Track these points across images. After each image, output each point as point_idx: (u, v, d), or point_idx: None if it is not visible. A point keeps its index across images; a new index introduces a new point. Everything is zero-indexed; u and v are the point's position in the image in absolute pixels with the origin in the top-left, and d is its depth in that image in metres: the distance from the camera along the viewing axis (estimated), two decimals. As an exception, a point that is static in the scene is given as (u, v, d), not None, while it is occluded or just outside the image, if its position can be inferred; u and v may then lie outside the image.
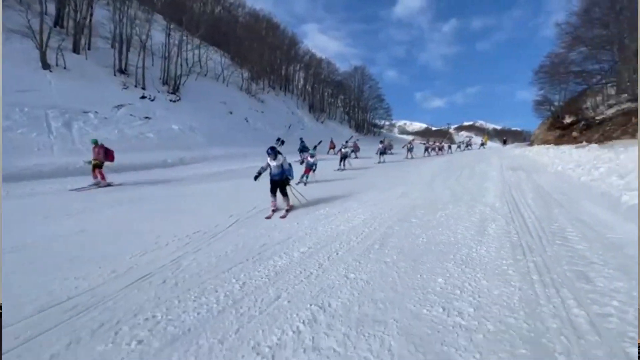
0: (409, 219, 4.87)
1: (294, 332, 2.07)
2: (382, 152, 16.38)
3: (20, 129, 11.58)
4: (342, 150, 13.74)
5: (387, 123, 60.47)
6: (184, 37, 20.60)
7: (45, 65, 14.62)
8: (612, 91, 24.16)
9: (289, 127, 28.32)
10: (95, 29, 18.72)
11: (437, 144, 26.91)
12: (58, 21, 18.23)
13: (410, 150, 20.01)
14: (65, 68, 15.41)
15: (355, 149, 18.88)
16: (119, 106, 15.66)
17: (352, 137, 17.97)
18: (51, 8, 18.54)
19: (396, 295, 2.49)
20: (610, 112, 21.17)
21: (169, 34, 19.65)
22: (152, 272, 3.28)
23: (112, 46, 19.42)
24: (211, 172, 12.60)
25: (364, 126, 49.23)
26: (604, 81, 25.20)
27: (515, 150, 26.47)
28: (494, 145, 51.20)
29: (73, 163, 11.15)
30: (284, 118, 29.86)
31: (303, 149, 16.64)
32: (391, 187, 8.28)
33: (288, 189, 5.87)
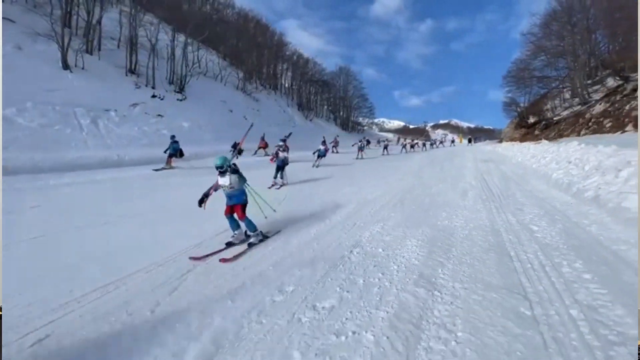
0: (413, 192, 7.01)
1: (376, 232, 4.10)
2: (321, 155, 12.82)
3: (57, 126, 12.75)
4: (280, 153, 9.19)
5: (368, 121, 63.02)
6: (188, 40, 21.84)
7: (66, 66, 15.63)
8: (568, 95, 27.72)
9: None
10: (103, 30, 19.63)
11: (409, 141, 26.60)
12: (65, 22, 19.01)
13: (361, 149, 17.33)
14: (83, 68, 16.46)
15: (284, 149, 14.92)
16: (134, 105, 16.89)
17: (290, 134, 15.09)
18: (55, 10, 19.27)
19: (421, 220, 4.58)
20: (565, 113, 24.56)
21: (175, 37, 20.87)
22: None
23: (118, 47, 20.43)
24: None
25: (349, 124, 51.67)
26: (561, 86, 28.79)
27: (487, 146, 29.63)
28: (466, 142, 55.17)
29: (110, 157, 12.56)
30: (277, 116, 31.58)
31: (175, 151, 12.17)
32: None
33: None
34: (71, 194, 7.22)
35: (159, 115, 17.61)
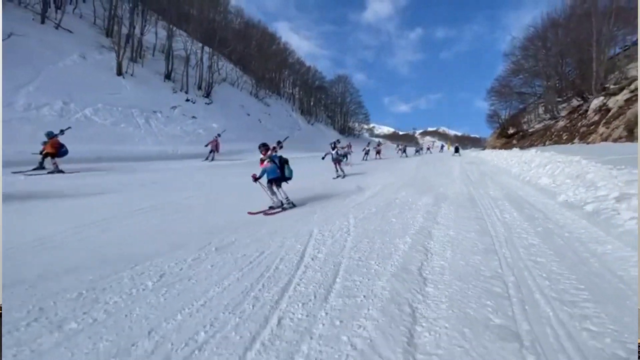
0: (418, 179, 10.15)
1: (403, 195, 7.16)
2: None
3: (122, 124, 15.43)
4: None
5: (361, 126, 66.57)
6: (214, 52, 24.69)
7: (119, 73, 18.24)
8: (542, 110, 31.75)
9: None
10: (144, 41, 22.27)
11: (374, 146, 22.09)
12: (109, 33, 21.58)
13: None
14: (132, 75, 19.08)
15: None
16: (174, 107, 19.61)
17: None
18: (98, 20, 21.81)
19: (428, 191, 7.68)
20: (538, 126, 28.48)
21: (203, 49, 23.67)
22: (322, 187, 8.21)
23: (153, 54, 23.07)
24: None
25: (345, 129, 55.07)
26: (536, 102, 32.79)
27: (472, 153, 33.34)
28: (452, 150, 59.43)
29: (165, 150, 15.28)
30: (285, 120, 34.55)
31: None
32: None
33: None
34: (173, 174, 10.16)
35: (193, 117, 20.36)
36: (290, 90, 46.20)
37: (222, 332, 1.96)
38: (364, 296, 2.41)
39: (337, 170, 10.77)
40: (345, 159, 15.40)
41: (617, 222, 3.59)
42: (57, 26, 17.97)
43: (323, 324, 2.05)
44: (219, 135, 16.45)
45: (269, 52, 41.82)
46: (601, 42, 17.72)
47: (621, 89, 14.72)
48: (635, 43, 19.02)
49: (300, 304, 2.30)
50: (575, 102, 24.63)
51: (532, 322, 2.01)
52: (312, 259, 3.20)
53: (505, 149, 26.04)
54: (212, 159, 15.44)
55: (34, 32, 15.91)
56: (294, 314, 2.17)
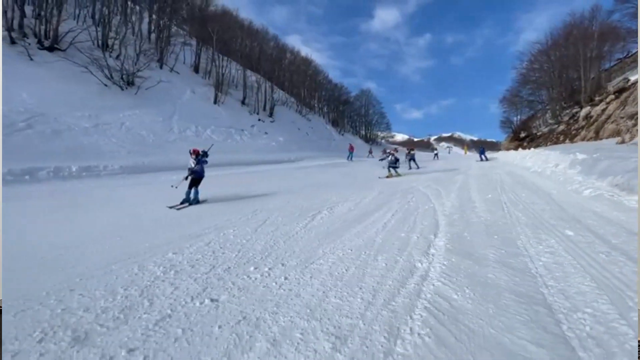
0: (451, 170, 15.43)
1: (444, 175, 12.49)
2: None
3: (228, 140, 21.41)
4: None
5: (380, 134, 71.71)
6: (272, 81, 30.89)
7: (215, 101, 24.46)
8: (549, 116, 36.18)
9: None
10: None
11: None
12: (197, 70, 28.06)
13: None
14: (222, 103, 25.30)
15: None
16: (253, 126, 25.62)
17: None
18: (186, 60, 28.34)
19: (459, 169, 12.97)
20: (545, 130, 32.98)
21: (266, 79, 29.88)
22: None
23: (228, 85, 29.41)
24: (324, 163, 22.81)
25: (369, 137, 60.51)
26: (544, 109, 37.25)
27: (488, 155, 38.02)
28: (470, 154, 63.87)
29: (257, 158, 21.10)
30: (322, 132, 40.36)
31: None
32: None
33: None
34: (271, 172, 15.84)
35: (266, 132, 26.32)
36: (322, 106, 52.19)
37: (419, 192, 7.42)
38: (451, 189, 7.81)
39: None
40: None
41: (545, 172, 8.86)
42: (171, 69, 24.37)
43: (453, 192, 7.45)
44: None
45: (302, 72, 48.04)
46: (587, 63, 22.50)
47: (601, 101, 19.51)
48: (615, 63, 23.60)
49: (443, 191, 7.74)
50: (575, 110, 29.17)
51: (503, 188, 7.34)
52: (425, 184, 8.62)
53: (517, 149, 30.68)
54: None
55: (163, 76, 22.27)
56: (442, 191, 7.61)
